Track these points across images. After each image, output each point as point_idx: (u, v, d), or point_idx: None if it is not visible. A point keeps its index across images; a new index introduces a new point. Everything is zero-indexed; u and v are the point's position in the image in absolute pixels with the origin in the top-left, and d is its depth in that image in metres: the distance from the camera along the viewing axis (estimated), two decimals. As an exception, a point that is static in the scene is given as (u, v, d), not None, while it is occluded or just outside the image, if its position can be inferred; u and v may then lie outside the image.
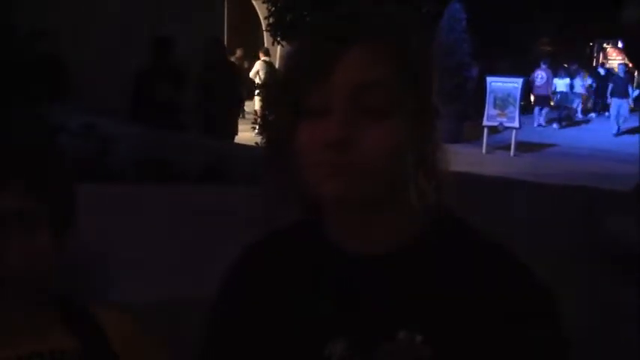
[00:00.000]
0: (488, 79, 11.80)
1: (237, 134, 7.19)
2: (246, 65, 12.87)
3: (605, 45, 23.72)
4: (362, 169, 0.76)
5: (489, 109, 11.53)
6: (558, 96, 16.23)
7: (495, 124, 11.47)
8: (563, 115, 16.13)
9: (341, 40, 0.77)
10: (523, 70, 14.08)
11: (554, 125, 15.70)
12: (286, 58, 0.85)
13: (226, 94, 6.59)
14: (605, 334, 2.14)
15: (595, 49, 24.14)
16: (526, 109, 14.94)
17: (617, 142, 12.88)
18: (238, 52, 13.85)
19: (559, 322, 0.81)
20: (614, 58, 22.06)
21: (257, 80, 9.54)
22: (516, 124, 11.29)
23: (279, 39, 6.46)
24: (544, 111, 15.96)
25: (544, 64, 16.05)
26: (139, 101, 5.88)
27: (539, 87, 15.74)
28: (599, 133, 14.23)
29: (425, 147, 0.81)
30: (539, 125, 15.68)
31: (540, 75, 15.70)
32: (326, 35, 0.78)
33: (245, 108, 10.10)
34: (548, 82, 15.74)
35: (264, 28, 7.54)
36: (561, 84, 16.24)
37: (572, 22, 17.92)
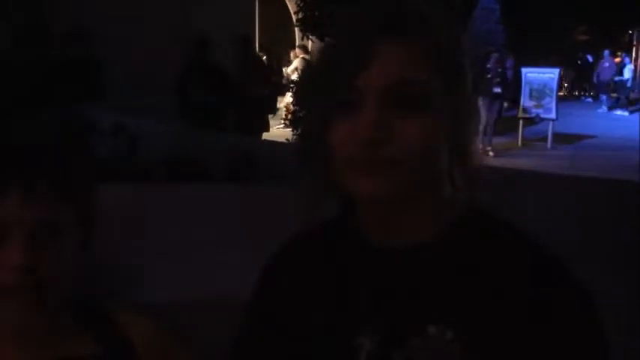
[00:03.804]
0: (524, 70, 11.56)
1: (268, 131, 7.22)
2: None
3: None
4: (395, 166, 0.76)
5: (525, 101, 11.29)
6: (626, 82, 16.87)
7: (531, 115, 11.25)
8: (631, 99, 16.76)
9: (377, 36, 0.76)
10: (559, 60, 13.85)
11: (625, 111, 15.95)
12: (321, 53, 0.85)
13: (255, 90, 6.62)
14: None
15: (635, 36, 23.47)
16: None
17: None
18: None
19: (596, 320, 0.77)
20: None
21: (295, 77, 9.56)
22: (553, 115, 11.03)
23: (308, 34, 6.46)
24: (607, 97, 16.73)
25: (608, 53, 17.19)
26: (181, 101, 6.03)
27: (606, 75, 16.57)
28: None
29: (459, 144, 0.81)
30: (608, 109, 16.24)
31: (607, 63, 16.68)
32: (362, 31, 0.78)
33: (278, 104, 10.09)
34: (613, 70, 16.73)
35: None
36: (626, 70, 16.99)
37: (609, 9, 17.55)
